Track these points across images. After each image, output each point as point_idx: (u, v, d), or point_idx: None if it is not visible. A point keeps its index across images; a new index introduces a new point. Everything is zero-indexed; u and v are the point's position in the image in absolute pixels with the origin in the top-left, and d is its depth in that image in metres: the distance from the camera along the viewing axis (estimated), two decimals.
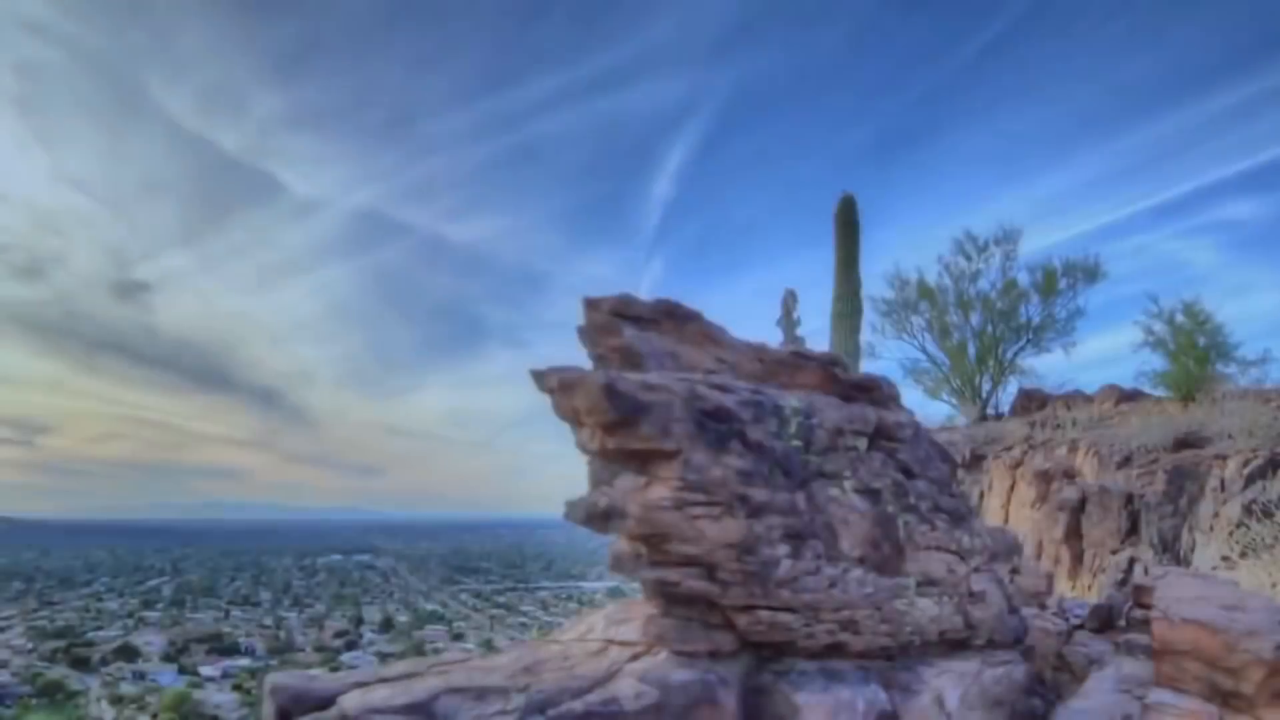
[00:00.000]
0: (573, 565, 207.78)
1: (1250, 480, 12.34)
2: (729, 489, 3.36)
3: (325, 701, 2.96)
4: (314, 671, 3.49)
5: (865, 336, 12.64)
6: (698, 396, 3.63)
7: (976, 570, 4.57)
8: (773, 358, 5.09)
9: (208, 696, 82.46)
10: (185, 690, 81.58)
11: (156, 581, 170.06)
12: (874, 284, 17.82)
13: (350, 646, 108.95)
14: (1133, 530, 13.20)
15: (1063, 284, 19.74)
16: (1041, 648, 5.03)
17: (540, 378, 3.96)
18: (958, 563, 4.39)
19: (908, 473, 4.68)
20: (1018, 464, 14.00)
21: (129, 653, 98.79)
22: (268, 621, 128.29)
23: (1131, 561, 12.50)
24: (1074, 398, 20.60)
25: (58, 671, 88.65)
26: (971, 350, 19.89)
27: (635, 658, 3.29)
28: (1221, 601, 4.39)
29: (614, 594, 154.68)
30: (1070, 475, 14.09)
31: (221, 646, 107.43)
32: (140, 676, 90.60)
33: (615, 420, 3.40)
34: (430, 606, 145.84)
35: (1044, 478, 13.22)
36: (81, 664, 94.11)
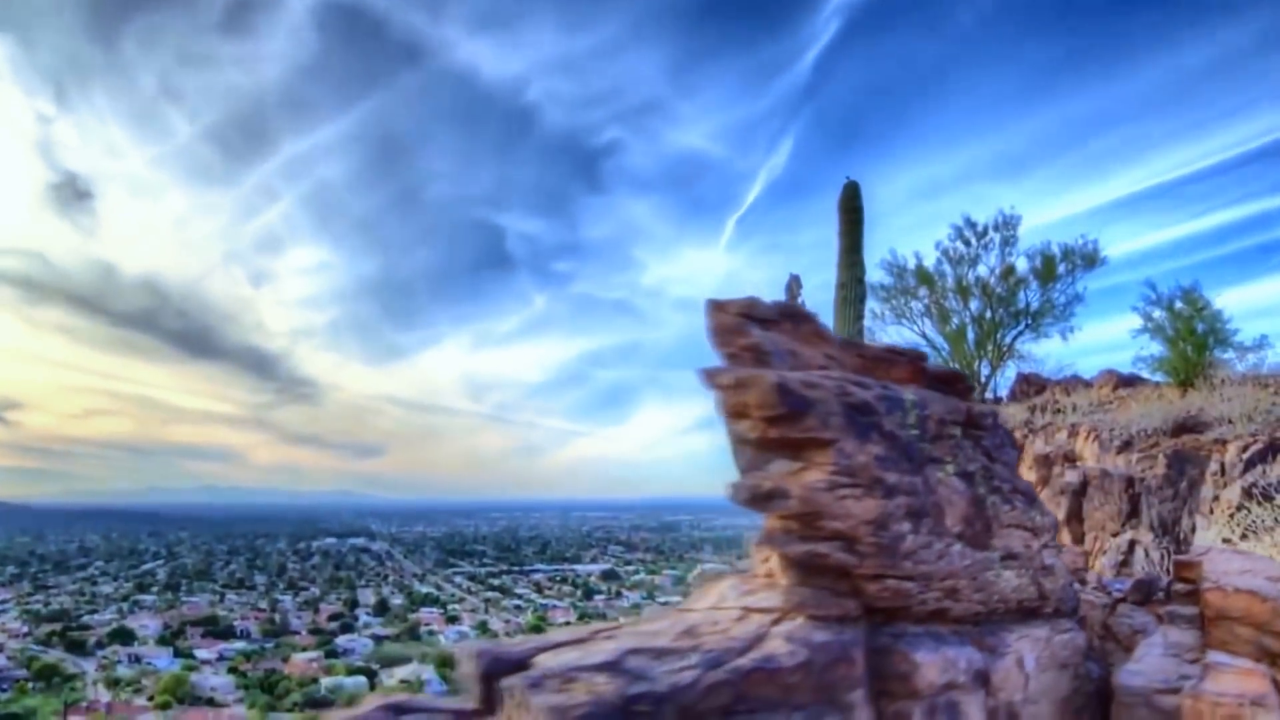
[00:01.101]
0: (567, 549, 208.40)
1: (1250, 465, 12.52)
2: (869, 472, 3.90)
3: (520, 664, 3.21)
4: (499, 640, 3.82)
5: (865, 322, 12.70)
6: (846, 393, 4.18)
7: (1045, 546, 5.01)
8: (870, 354, 5.65)
9: (204, 679, 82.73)
10: (181, 673, 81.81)
11: (151, 565, 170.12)
12: (875, 270, 18.09)
13: (345, 629, 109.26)
14: (1133, 513, 13.38)
15: (1061, 270, 19.93)
16: (1089, 618, 5.46)
17: (711, 375, 4.42)
18: (1032, 539, 4.84)
19: (990, 457, 5.10)
20: (1018, 448, 14.12)
21: (124, 636, 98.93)
22: (263, 605, 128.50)
23: (1132, 544, 12.71)
24: (1072, 383, 20.76)
25: (54, 655, 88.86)
26: (970, 335, 20.08)
27: (776, 622, 3.63)
28: (1267, 574, 4.94)
29: (608, 577, 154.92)
30: (1071, 459, 14.27)
31: (217, 630, 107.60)
32: (136, 660, 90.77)
33: (783, 414, 3.92)
34: (425, 589, 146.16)
35: (1045, 461, 13.40)
36: (77, 647, 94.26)
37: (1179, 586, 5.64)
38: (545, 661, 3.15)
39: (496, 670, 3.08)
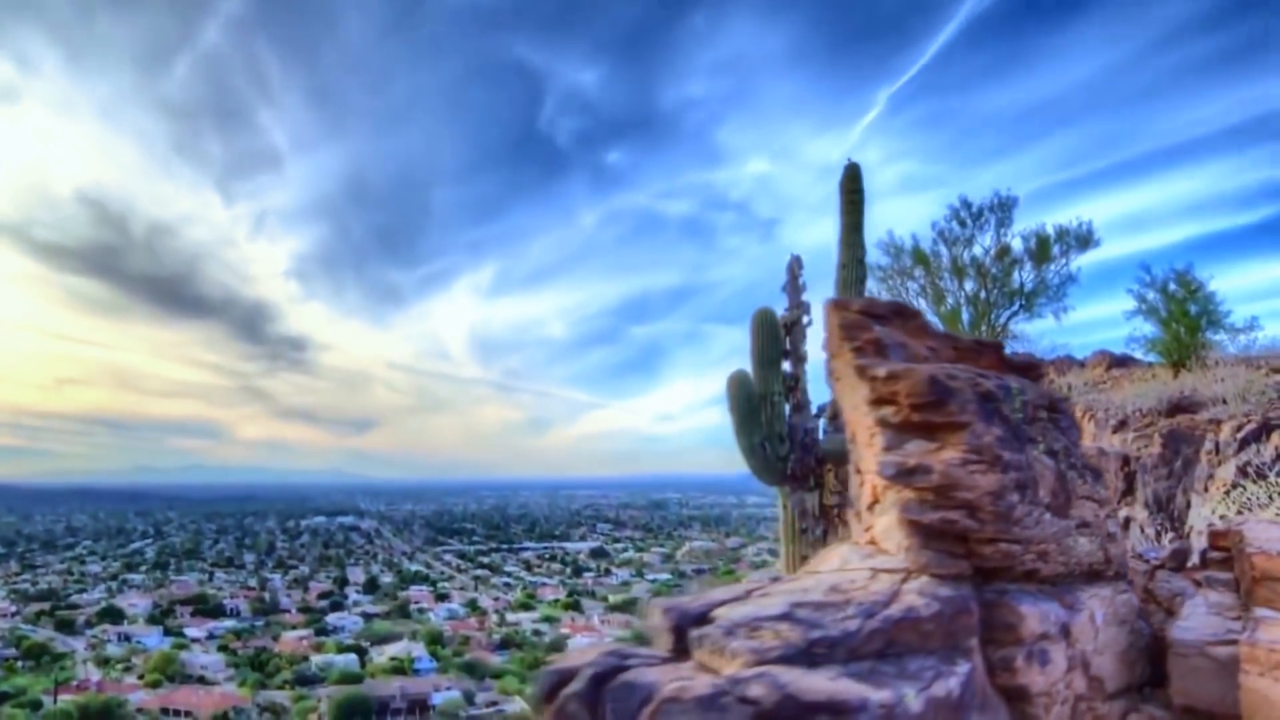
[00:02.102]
0: (556, 527, 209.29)
1: (1244, 444, 12.70)
2: (991, 451, 4.62)
3: (701, 617, 3.69)
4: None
5: None
6: (976, 384, 4.98)
7: (1109, 516, 5.70)
8: (963, 345, 6.36)
9: (194, 657, 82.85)
10: (171, 651, 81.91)
11: (139, 544, 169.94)
12: (874, 251, 18.00)
13: (335, 607, 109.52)
14: (1129, 491, 13.58)
15: (1055, 250, 20.03)
16: (1134, 583, 6.07)
17: (864, 369, 5.19)
18: (1099, 509, 5.48)
19: (1066, 437, 5.78)
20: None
21: (113, 615, 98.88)
22: (252, 583, 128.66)
23: (1127, 521, 12.89)
24: (1065, 363, 20.93)
25: (43, 634, 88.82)
26: (965, 316, 20.17)
27: (904, 580, 4.25)
28: None
29: (596, 554, 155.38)
30: None
31: (206, 608, 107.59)
32: (125, 638, 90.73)
33: (930, 401, 4.69)
34: (414, 567, 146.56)
35: None
36: (66, 626, 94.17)
37: (1213, 554, 6.40)
38: (725, 614, 3.66)
39: (683, 623, 3.59)
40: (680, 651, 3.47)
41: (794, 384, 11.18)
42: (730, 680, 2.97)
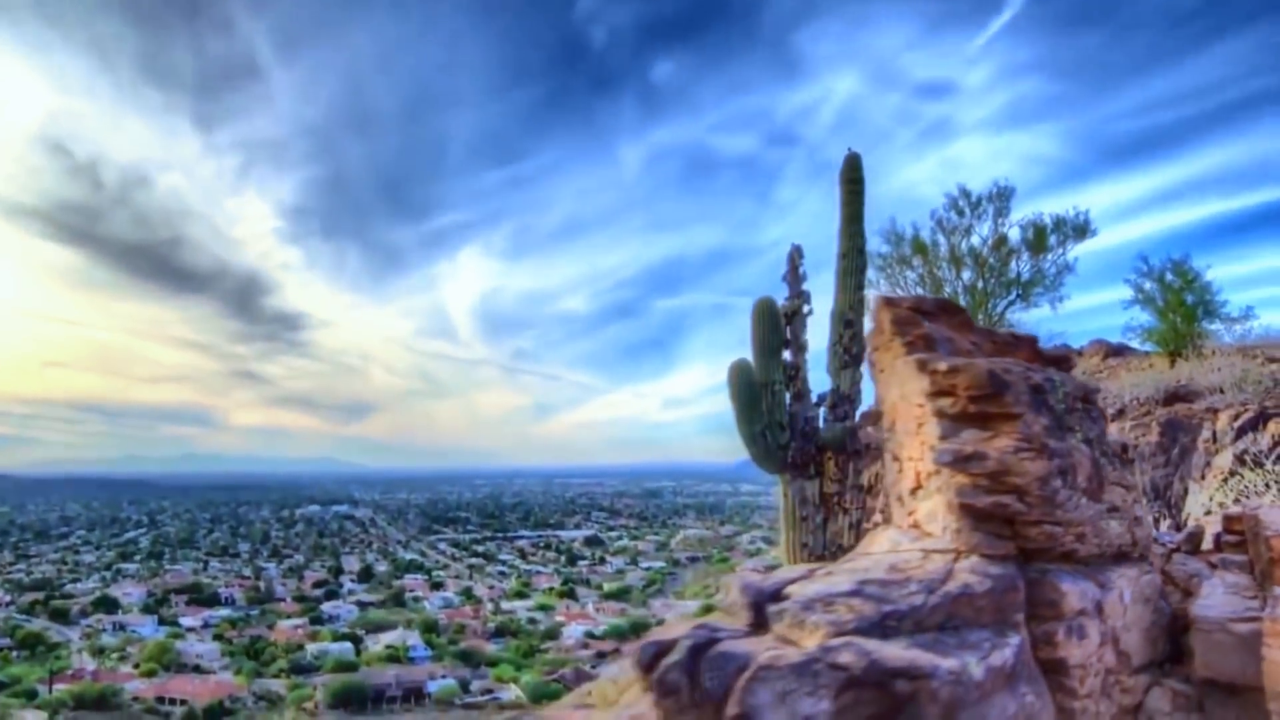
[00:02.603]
0: (550, 515, 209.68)
1: (1241, 432, 12.79)
2: (1040, 439, 4.96)
3: (776, 594, 4.05)
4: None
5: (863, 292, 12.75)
6: (1028, 377, 5.36)
7: (1135, 501, 6.02)
8: (1000, 339, 6.79)
9: (189, 646, 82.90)
10: (166, 641, 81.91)
11: (133, 534, 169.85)
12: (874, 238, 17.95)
13: (330, 596, 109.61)
14: None
15: (1052, 240, 20.06)
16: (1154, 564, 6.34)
17: (924, 363, 5.54)
18: (1127, 494, 5.83)
19: (1098, 426, 6.20)
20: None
21: (108, 604, 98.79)
22: (247, 572, 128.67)
23: None
24: (1062, 352, 20.87)
25: (37, 624, 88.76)
26: (963, 305, 20.19)
27: (955, 560, 4.61)
28: None
29: (591, 543, 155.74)
30: None
31: (201, 597, 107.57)
32: (120, 628, 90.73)
33: (988, 393, 5.04)
34: (409, 556, 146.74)
35: None
36: (60, 616, 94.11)
37: (1228, 538, 6.70)
38: (798, 591, 4.03)
39: (760, 599, 3.96)
40: (758, 625, 3.84)
41: (794, 373, 11.23)
42: (821, 649, 3.40)
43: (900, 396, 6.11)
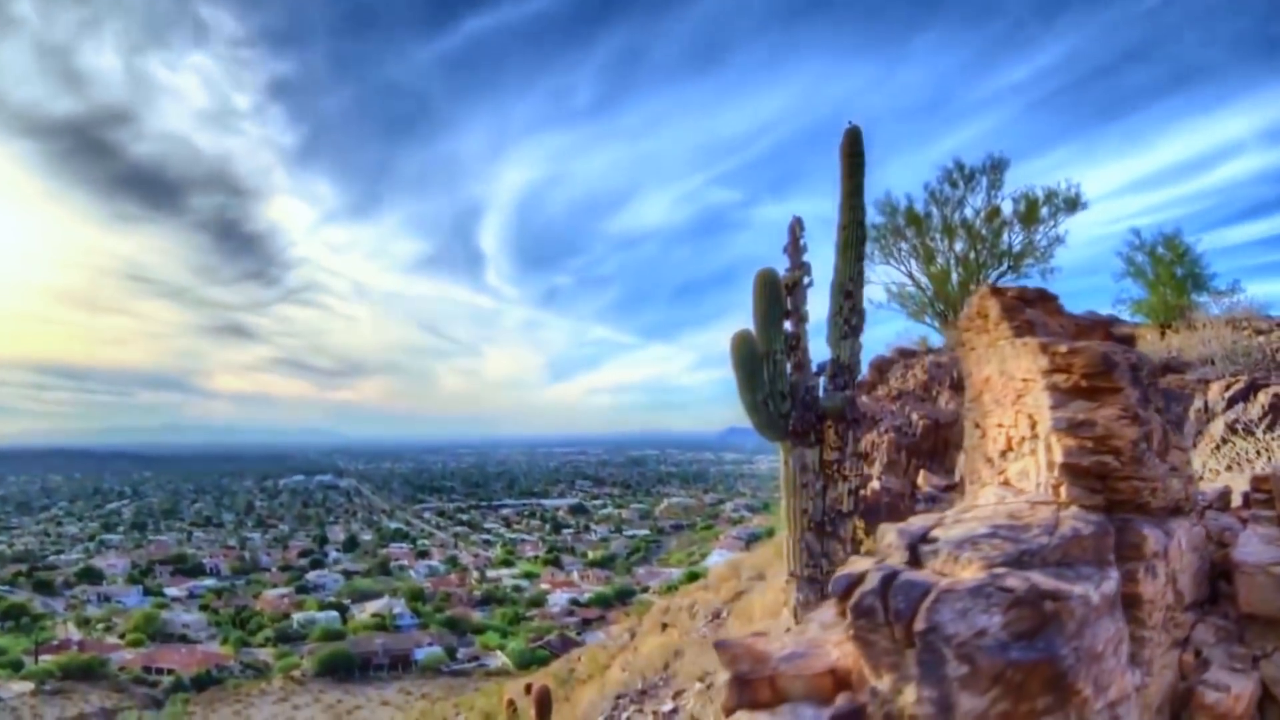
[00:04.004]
0: (534, 484, 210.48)
1: (1232, 402, 12.98)
2: (1134, 409, 5.79)
3: (923, 537, 4.73)
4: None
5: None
6: (1127, 356, 6.15)
7: (1187, 462, 6.71)
8: (1082, 322, 7.72)
9: (175, 616, 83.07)
10: (152, 611, 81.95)
11: (116, 505, 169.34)
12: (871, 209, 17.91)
13: (315, 565, 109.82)
14: None
15: (1044, 213, 20.12)
16: None
17: (1046, 346, 6.28)
18: (1182, 455, 6.54)
19: (1161, 396, 6.87)
20: None
21: (92, 575, 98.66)
22: (231, 542, 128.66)
23: None
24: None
25: (21, 595, 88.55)
26: (955, 276, 20.30)
27: (1060, 509, 5.31)
28: None
29: (576, 511, 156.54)
30: None
31: (186, 568, 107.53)
32: (105, 599, 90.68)
33: (1100, 371, 5.85)
34: (394, 525, 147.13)
35: None
36: (44, 588, 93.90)
37: (1256, 495, 7.52)
38: (943, 535, 4.73)
39: (914, 541, 4.64)
40: (913, 562, 4.50)
41: (795, 343, 11.33)
42: (991, 575, 4.10)
43: (998, 372, 7.24)
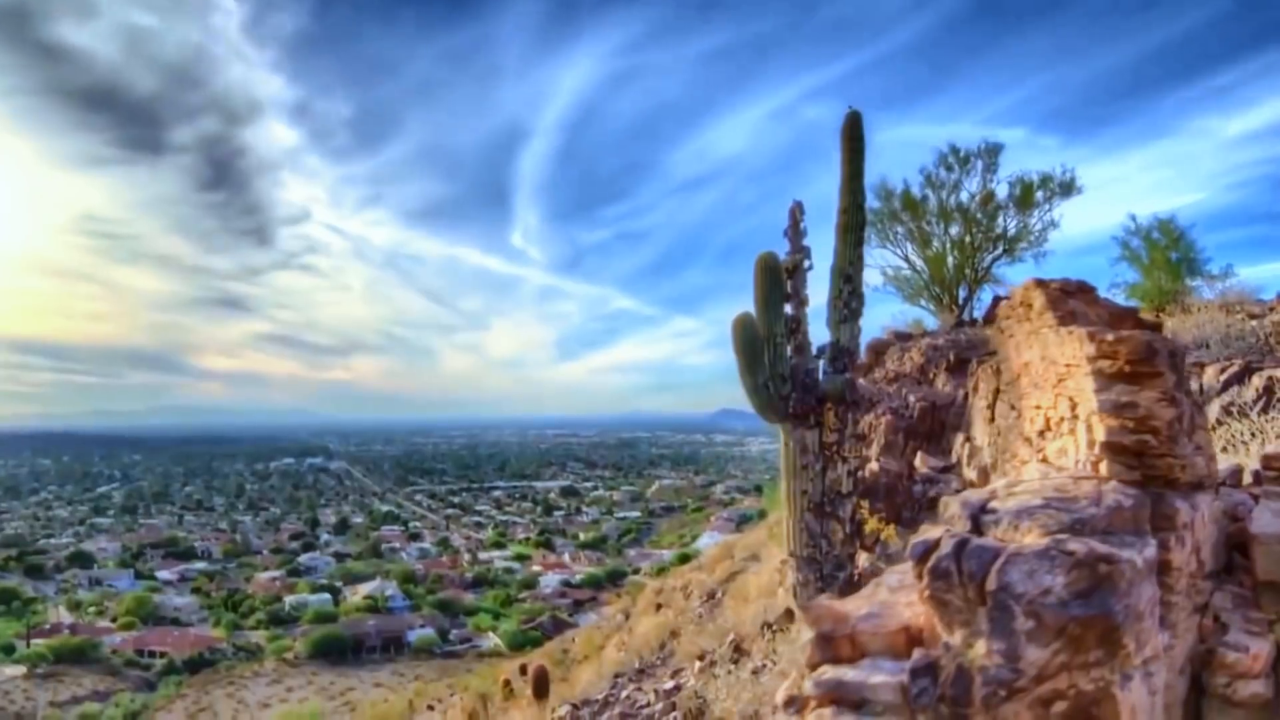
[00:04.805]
0: (526, 466, 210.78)
1: (1227, 385, 13.08)
2: (1171, 392, 6.18)
3: (983, 508, 5.16)
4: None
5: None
6: (1165, 343, 6.53)
7: (1209, 442, 6.99)
8: (1116, 310, 8.40)
9: (167, 600, 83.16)
10: (144, 594, 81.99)
11: (106, 489, 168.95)
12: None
13: (307, 548, 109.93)
14: None
15: (1039, 197, 20.17)
16: None
17: (1094, 335, 6.64)
18: (1205, 436, 6.86)
19: (1189, 380, 7.48)
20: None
21: (83, 559, 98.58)
22: (223, 525, 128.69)
23: None
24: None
25: (12, 580, 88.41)
26: (950, 260, 20.35)
27: (1101, 484, 5.77)
28: None
29: (567, 493, 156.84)
30: None
31: (177, 551, 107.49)
32: (97, 583, 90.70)
33: (1144, 358, 6.24)
34: (385, 508, 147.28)
35: None
36: (35, 572, 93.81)
37: (1267, 473, 7.88)
38: (1001, 506, 5.20)
39: (976, 512, 5.05)
40: (976, 530, 4.98)
41: (795, 326, 11.41)
42: (1054, 540, 4.56)
43: (1040, 358, 7.92)
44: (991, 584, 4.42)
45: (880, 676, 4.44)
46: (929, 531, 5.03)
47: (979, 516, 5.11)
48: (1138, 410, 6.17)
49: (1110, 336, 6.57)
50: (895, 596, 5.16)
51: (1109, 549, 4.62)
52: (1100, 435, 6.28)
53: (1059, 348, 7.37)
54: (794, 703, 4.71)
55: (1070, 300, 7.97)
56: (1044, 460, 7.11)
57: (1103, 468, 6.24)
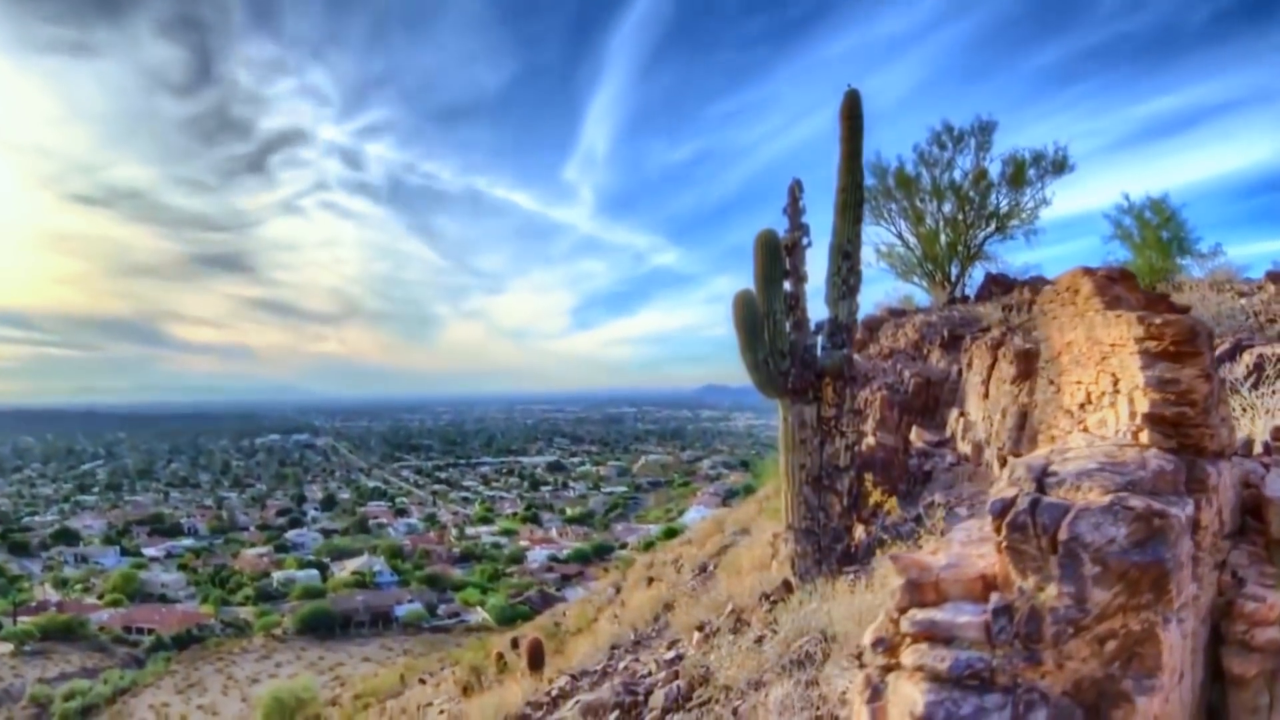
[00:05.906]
0: (512, 441, 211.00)
1: (1219, 362, 13.23)
2: (1208, 369, 6.75)
3: (1044, 470, 5.59)
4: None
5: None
6: (1206, 326, 7.04)
7: (1230, 414, 7.54)
8: (1149, 295, 9.60)
9: (154, 576, 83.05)
10: (130, 571, 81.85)
11: (90, 466, 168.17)
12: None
13: (294, 524, 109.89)
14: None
15: (1031, 175, 20.24)
16: None
17: (1143, 320, 7.14)
18: (1227, 408, 7.32)
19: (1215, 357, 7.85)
20: (998, 344, 14.63)
21: (69, 537, 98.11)
22: (208, 502, 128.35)
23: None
24: (1038, 284, 21.27)
25: None
26: (943, 237, 20.43)
27: (1143, 450, 6.19)
28: None
29: (554, 468, 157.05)
30: None
31: (163, 528, 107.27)
32: (82, 560, 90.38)
33: (1188, 338, 6.75)
34: (372, 484, 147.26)
35: (1025, 356, 13.88)
36: (20, 549, 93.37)
37: (1275, 444, 8.66)
38: (1061, 468, 5.66)
39: (1039, 475, 5.53)
40: (1039, 490, 5.44)
41: (794, 303, 11.52)
42: (1117, 497, 5.12)
43: (1084, 338, 8.79)
44: (1063, 535, 5.00)
45: (965, 617, 5.02)
46: (1001, 489, 5.59)
47: (1042, 479, 5.66)
48: (1179, 385, 6.79)
49: (1158, 320, 7.18)
50: (967, 549, 5.74)
51: (1163, 504, 5.20)
52: (1144, 408, 6.89)
53: (1105, 329, 8.15)
54: (882, 643, 5.25)
55: (1115, 286, 9.03)
56: (1085, 430, 7.77)
57: (1143, 437, 6.83)
